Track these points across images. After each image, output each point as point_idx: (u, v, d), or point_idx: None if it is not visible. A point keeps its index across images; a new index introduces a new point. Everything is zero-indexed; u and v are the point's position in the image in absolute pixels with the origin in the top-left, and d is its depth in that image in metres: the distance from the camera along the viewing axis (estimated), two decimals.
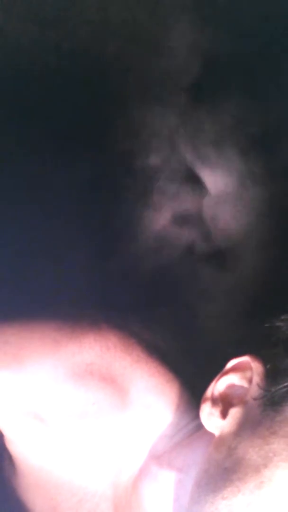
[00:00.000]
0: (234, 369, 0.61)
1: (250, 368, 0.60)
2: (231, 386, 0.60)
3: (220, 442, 0.57)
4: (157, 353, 0.66)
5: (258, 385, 0.58)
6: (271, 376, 0.57)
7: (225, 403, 0.59)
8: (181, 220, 0.72)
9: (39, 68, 0.84)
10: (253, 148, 0.74)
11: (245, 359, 0.60)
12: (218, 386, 0.60)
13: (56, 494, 0.65)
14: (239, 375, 0.60)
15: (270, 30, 0.79)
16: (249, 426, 0.56)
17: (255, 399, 0.57)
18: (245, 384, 0.60)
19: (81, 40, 0.85)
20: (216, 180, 0.73)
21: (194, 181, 0.74)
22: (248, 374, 0.60)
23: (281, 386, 0.56)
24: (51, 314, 0.68)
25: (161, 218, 0.72)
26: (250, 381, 0.59)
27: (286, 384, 0.56)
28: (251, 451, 0.54)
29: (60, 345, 0.66)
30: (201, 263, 0.70)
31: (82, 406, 0.64)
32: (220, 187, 0.73)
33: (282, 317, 0.59)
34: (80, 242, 0.72)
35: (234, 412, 0.58)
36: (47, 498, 0.65)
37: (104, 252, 0.72)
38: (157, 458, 0.63)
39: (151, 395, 0.65)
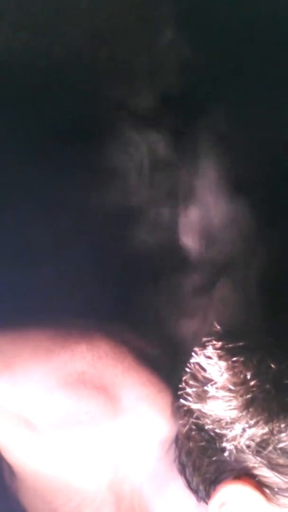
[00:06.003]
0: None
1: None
2: None
3: None
4: (149, 362, 0.67)
5: None
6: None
7: None
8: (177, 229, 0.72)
9: (31, 72, 0.84)
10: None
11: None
12: None
13: (54, 498, 0.65)
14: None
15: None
16: None
17: None
18: None
19: (73, 45, 0.85)
20: None
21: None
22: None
23: None
24: (43, 323, 0.68)
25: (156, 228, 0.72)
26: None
27: None
28: None
29: (53, 354, 0.66)
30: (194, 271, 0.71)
31: (74, 415, 0.64)
32: None
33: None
34: (72, 251, 0.72)
35: None
36: (45, 501, 0.66)
37: (97, 260, 0.72)
38: (155, 463, 0.63)
39: (143, 405, 0.65)
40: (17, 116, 0.84)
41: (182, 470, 0.60)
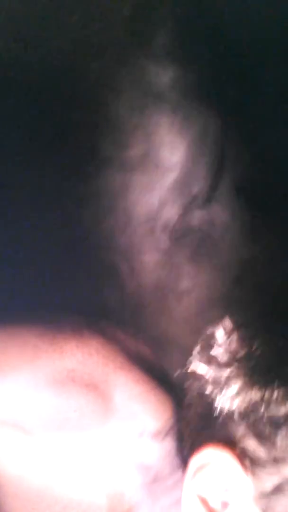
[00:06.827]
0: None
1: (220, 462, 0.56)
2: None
3: None
4: (141, 360, 0.65)
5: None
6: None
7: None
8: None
9: (22, 85, 0.85)
10: None
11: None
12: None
13: (38, 502, 0.62)
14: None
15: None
16: None
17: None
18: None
19: (64, 58, 0.86)
20: None
21: None
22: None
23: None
24: (32, 320, 0.66)
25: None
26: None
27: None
28: None
29: (41, 351, 0.64)
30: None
31: (63, 413, 0.62)
32: None
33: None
34: (61, 247, 0.70)
35: None
36: (27, 508, 0.62)
37: (86, 257, 0.70)
38: (146, 462, 0.61)
39: (136, 404, 0.63)
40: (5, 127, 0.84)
41: (179, 443, 0.61)
